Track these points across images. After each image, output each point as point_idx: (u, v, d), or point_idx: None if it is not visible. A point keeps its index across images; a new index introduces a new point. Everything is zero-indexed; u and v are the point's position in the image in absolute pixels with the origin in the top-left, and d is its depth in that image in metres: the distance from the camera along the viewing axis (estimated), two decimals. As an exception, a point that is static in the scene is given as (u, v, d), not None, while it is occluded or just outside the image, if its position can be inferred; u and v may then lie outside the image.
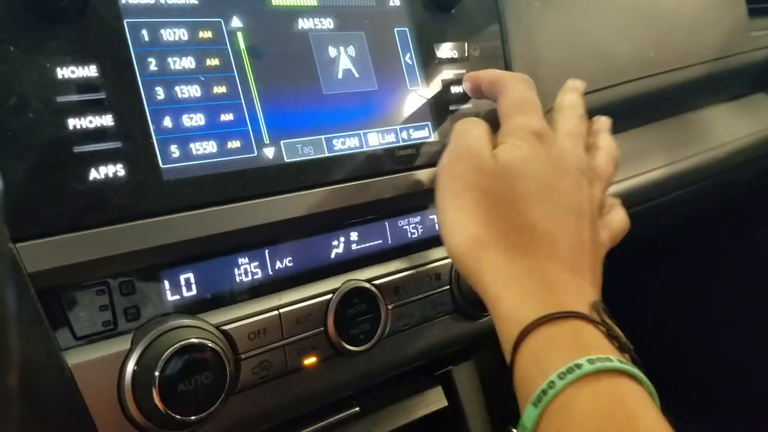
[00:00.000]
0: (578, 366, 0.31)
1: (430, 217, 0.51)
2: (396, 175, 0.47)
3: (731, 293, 1.16)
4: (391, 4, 0.50)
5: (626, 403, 0.31)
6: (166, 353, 0.35)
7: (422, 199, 0.50)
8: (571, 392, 0.31)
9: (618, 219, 0.48)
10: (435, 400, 0.61)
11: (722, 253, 1.17)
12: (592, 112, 0.73)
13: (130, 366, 0.35)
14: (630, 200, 0.77)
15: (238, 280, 0.41)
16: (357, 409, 0.56)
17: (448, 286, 0.51)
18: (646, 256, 1.16)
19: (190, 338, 0.36)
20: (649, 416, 0.31)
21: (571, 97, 0.49)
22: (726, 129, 0.93)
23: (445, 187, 0.41)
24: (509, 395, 0.36)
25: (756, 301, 1.13)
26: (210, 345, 0.37)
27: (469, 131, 0.43)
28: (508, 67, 0.57)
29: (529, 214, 0.39)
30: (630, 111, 0.79)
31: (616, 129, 0.79)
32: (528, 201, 0.39)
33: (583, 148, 0.46)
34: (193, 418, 0.36)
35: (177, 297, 0.39)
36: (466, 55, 0.54)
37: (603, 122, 0.51)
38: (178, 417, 0.35)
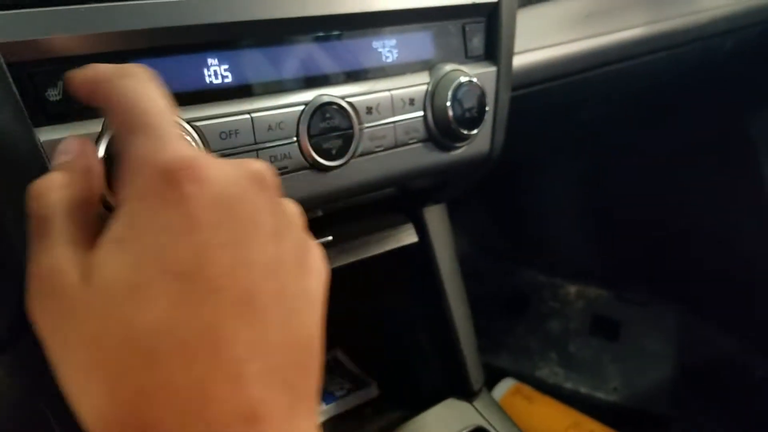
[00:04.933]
0: None
1: (406, 41, 0.51)
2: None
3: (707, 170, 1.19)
4: None
5: None
6: (138, 136, 0.35)
7: (400, 21, 0.49)
8: None
9: (319, 258, 0.29)
10: (406, 236, 0.63)
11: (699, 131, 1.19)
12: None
13: (101, 148, 0.36)
14: (607, 58, 0.78)
15: (207, 80, 0.41)
16: (330, 237, 0.58)
17: (421, 113, 0.52)
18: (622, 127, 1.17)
19: (161, 125, 0.36)
20: None
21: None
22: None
23: (47, 345, 0.25)
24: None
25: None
26: (182, 135, 0.37)
27: (46, 229, 0.26)
28: None
29: (160, 360, 0.22)
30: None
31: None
32: (152, 337, 0.22)
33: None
34: (166, 202, 0.37)
35: (148, 90, 0.39)
36: None
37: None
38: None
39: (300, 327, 0.26)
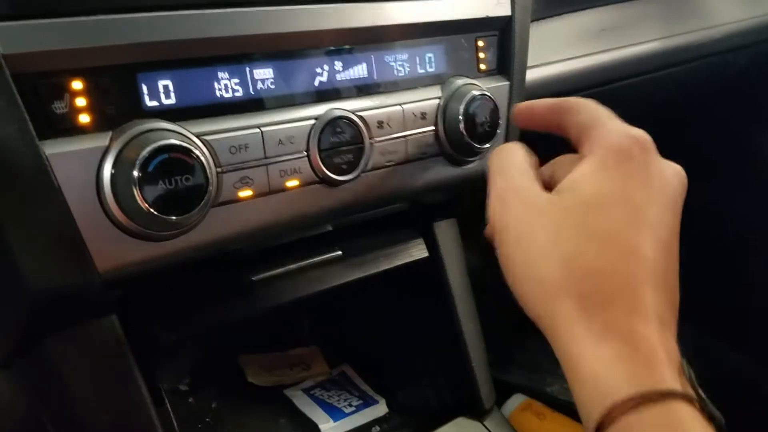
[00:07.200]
0: None
1: (418, 55, 0.50)
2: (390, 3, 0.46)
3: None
4: None
5: None
6: (147, 150, 0.35)
7: (412, 35, 0.49)
8: None
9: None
10: (416, 251, 0.62)
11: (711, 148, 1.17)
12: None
13: (109, 162, 0.35)
14: (620, 73, 0.77)
15: (218, 94, 0.40)
16: (339, 252, 0.57)
17: (433, 127, 0.51)
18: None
19: (170, 139, 0.36)
20: None
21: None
22: (725, 10, 0.91)
23: (502, 238, 0.36)
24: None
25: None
26: (191, 148, 0.36)
27: (507, 165, 0.39)
28: None
29: (607, 255, 0.32)
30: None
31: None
32: (607, 239, 0.33)
33: None
34: (174, 218, 0.36)
35: (155, 103, 0.38)
36: None
37: None
38: (158, 215, 0.36)
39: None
